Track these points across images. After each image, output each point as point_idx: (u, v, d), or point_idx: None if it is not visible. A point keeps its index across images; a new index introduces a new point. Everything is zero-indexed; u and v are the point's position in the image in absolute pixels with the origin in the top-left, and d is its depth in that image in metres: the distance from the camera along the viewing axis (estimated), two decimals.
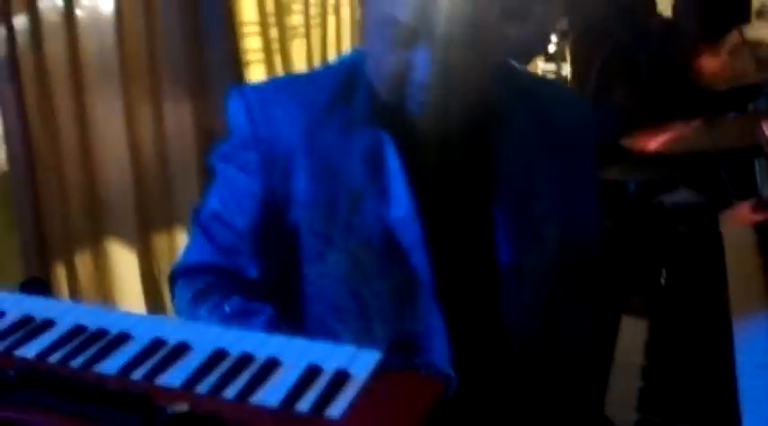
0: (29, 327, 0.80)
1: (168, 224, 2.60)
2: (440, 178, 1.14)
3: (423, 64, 1.03)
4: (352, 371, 0.71)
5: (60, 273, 2.30)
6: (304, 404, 0.68)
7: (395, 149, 1.11)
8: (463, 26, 1.02)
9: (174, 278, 1.22)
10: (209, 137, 2.61)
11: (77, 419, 0.63)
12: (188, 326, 0.84)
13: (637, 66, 3.27)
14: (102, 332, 0.79)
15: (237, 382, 0.71)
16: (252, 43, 2.83)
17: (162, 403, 0.63)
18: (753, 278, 1.45)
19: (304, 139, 1.13)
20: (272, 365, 0.73)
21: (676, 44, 3.26)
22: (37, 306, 0.84)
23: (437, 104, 1.06)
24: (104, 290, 2.43)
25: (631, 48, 3.27)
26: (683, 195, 2.64)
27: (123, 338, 0.78)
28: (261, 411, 0.68)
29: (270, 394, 0.69)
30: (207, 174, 2.74)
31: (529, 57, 3.31)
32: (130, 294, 2.48)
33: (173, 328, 0.80)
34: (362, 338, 1.11)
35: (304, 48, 3.11)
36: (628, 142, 2.73)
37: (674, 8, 3.63)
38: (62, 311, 0.83)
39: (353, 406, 0.67)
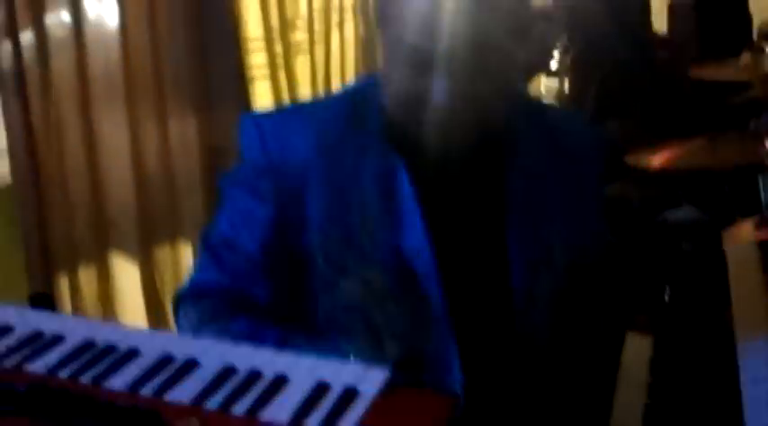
0: (38, 342, 0.81)
1: (172, 239, 2.60)
2: (453, 204, 1.14)
3: (441, 89, 1.03)
4: (361, 389, 0.71)
5: (64, 287, 2.31)
6: (312, 422, 0.68)
7: (408, 175, 1.11)
8: (479, 50, 1.02)
9: (180, 301, 1.20)
10: (213, 153, 2.63)
11: None
12: (196, 343, 0.84)
13: (636, 82, 3.28)
14: (111, 348, 0.79)
15: (246, 399, 0.71)
16: (256, 59, 2.85)
17: (171, 420, 0.63)
18: (757, 295, 1.45)
19: (318, 166, 1.12)
20: (280, 382, 0.73)
21: (674, 61, 3.28)
22: (46, 322, 0.84)
23: (454, 130, 1.06)
24: (108, 305, 2.43)
25: (631, 65, 3.28)
26: (686, 212, 2.64)
27: (132, 354, 0.78)
28: None
29: (278, 412, 0.69)
30: (211, 190, 2.76)
31: (531, 74, 3.32)
32: (133, 309, 2.48)
33: (181, 344, 0.80)
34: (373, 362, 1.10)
35: (308, 64, 3.12)
36: (631, 159, 2.74)
37: (670, 27, 3.65)
38: (71, 326, 0.83)
39: (361, 424, 0.67)
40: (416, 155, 1.11)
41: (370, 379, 0.72)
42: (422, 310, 1.11)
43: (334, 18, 3.27)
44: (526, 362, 1.15)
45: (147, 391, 0.72)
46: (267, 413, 0.69)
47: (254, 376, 0.74)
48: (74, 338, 0.81)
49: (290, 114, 1.22)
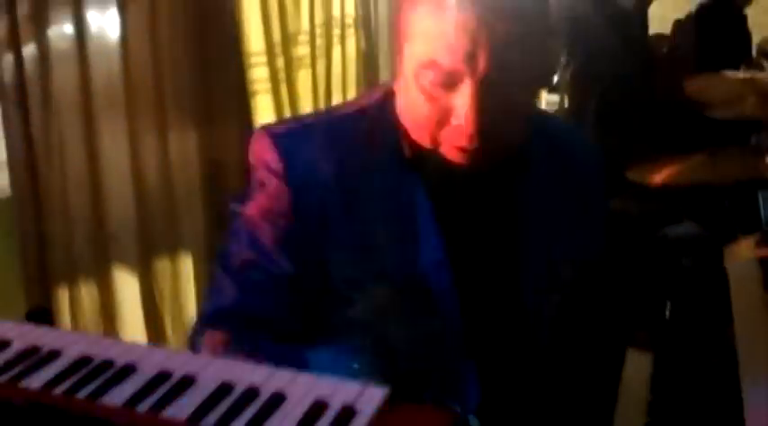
0: (35, 357, 0.80)
1: (172, 253, 2.60)
2: (468, 222, 1.14)
3: (462, 108, 1.00)
4: (359, 407, 0.70)
5: (63, 301, 2.30)
6: None
7: (426, 193, 1.10)
8: (500, 69, 0.99)
9: (202, 326, 1.13)
10: (214, 167, 2.63)
11: None
12: (193, 358, 0.83)
13: (636, 96, 3.29)
14: (108, 364, 0.79)
15: (243, 416, 0.70)
16: (258, 73, 2.86)
17: None
18: (758, 312, 1.45)
19: (336, 183, 1.10)
20: (277, 400, 0.73)
21: (673, 74, 3.29)
22: (43, 336, 0.84)
23: (475, 148, 1.03)
24: (106, 319, 2.42)
25: (631, 78, 3.29)
26: (686, 228, 2.64)
27: (129, 369, 0.78)
28: None
29: None
30: (212, 204, 2.76)
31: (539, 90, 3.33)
32: (133, 323, 2.48)
33: (178, 360, 0.80)
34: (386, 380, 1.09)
35: (309, 78, 3.14)
36: (631, 174, 2.74)
37: (669, 42, 3.66)
38: (68, 341, 0.83)
39: None
40: (434, 172, 1.09)
41: (369, 398, 0.71)
42: (437, 326, 1.10)
43: (336, 33, 3.28)
44: (536, 378, 1.15)
45: (143, 407, 0.72)
46: None
47: (252, 393, 0.74)
48: (71, 353, 0.80)
49: (304, 128, 1.17)
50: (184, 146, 2.59)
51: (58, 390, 0.74)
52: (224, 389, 0.74)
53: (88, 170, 2.33)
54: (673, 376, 1.39)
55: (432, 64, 1.00)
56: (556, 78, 3.81)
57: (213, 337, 1.09)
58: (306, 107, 3.13)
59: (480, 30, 0.97)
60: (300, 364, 1.01)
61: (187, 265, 2.63)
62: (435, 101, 1.02)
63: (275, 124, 1.29)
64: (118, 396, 0.73)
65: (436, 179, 1.10)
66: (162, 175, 2.53)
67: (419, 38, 1.02)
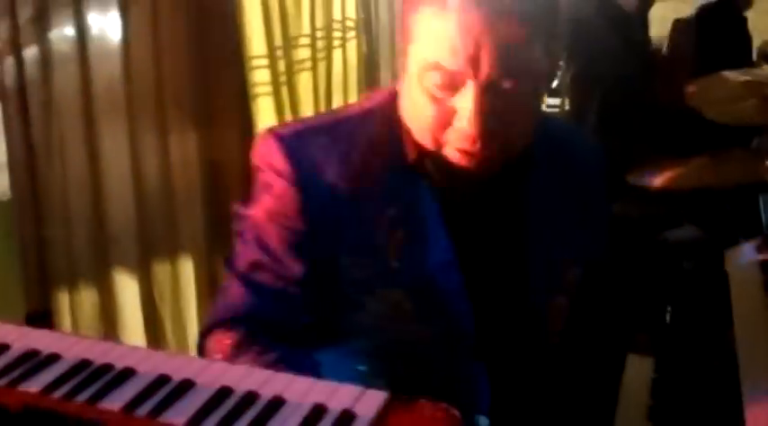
0: (34, 361, 0.80)
1: (172, 256, 2.59)
2: (475, 224, 1.14)
3: (467, 110, 1.00)
4: (358, 412, 0.70)
5: (63, 303, 2.30)
6: None
7: (432, 194, 1.10)
8: (504, 71, 0.99)
9: (209, 331, 1.11)
10: (214, 170, 2.62)
11: None
12: (192, 362, 0.83)
13: (637, 98, 3.29)
14: (107, 367, 0.79)
15: (242, 420, 0.70)
16: (259, 76, 2.85)
17: None
18: (759, 315, 1.44)
19: (342, 184, 1.10)
20: (276, 404, 0.72)
21: (673, 77, 3.29)
22: (42, 340, 0.84)
23: (478, 151, 1.03)
24: (106, 321, 2.42)
25: (632, 80, 3.29)
26: (687, 231, 2.63)
27: (128, 373, 0.78)
28: None
29: None
30: (212, 207, 2.75)
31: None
32: (133, 325, 2.47)
33: (177, 364, 0.80)
34: (397, 382, 1.08)
35: (311, 81, 3.13)
36: (632, 177, 2.74)
37: (670, 44, 3.66)
38: (67, 345, 0.83)
39: None
40: (440, 174, 1.10)
41: (367, 402, 0.71)
42: (447, 328, 1.10)
43: (337, 36, 3.28)
44: (545, 378, 1.16)
45: (142, 411, 0.72)
46: None
47: (251, 397, 0.73)
48: (69, 357, 0.80)
49: (310, 130, 1.16)
50: (185, 148, 2.58)
51: (57, 393, 0.74)
52: (223, 393, 0.74)
53: (89, 172, 2.33)
54: (673, 379, 1.39)
55: (435, 66, 1.00)
56: (556, 82, 3.81)
57: (222, 340, 1.08)
58: (307, 110, 3.13)
59: (484, 32, 0.96)
60: (311, 366, 1.01)
61: (187, 268, 2.62)
62: (439, 103, 1.02)
63: (280, 126, 1.28)
64: (117, 400, 0.73)
65: (441, 181, 1.10)
66: (162, 178, 2.53)
67: (423, 39, 1.02)
